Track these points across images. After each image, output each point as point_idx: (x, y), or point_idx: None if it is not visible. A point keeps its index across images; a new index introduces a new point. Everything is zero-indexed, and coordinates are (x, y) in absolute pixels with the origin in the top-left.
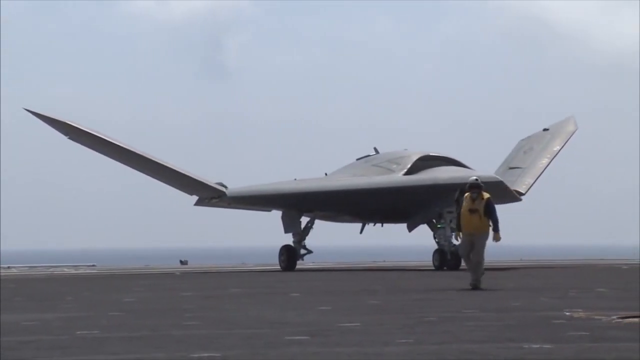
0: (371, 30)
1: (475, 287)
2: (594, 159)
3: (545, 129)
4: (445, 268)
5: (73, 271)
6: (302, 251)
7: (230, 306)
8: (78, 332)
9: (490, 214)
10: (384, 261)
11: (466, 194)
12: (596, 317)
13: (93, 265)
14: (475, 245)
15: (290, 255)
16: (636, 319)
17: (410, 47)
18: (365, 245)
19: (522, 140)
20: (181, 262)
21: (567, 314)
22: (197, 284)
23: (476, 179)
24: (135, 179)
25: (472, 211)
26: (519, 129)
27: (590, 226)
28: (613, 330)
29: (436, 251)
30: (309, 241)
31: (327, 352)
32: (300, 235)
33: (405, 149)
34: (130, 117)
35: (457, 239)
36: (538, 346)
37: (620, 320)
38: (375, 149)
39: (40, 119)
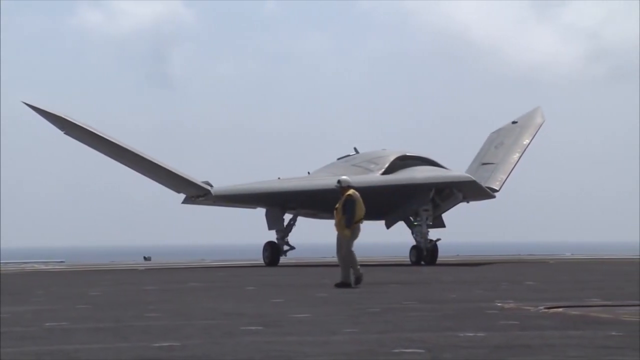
0: (303, 44)
1: (344, 284)
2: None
3: (514, 122)
4: (422, 263)
5: (43, 267)
6: (285, 247)
7: (189, 299)
8: (47, 324)
9: (345, 210)
10: (333, 257)
11: None
12: (525, 307)
13: (62, 262)
14: (340, 242)
15: (273, 251)
16: (560, 309)
17: (338, 61)
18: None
19: (493, 133)
20: (145, 258)
21: (499, 304)
22: (159, 278)
23: (338, 179)
24: (112, 179)
25: (336, 209)
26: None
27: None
28: (540, 320)
29: (413, 247)
30: (291, 238)
31: (280, 341)
32: (284, 231)
33: (384, 149)
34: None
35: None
36: (472, 334)
37: (546, 310)
38: (355, 149)
39: (38, 113)
